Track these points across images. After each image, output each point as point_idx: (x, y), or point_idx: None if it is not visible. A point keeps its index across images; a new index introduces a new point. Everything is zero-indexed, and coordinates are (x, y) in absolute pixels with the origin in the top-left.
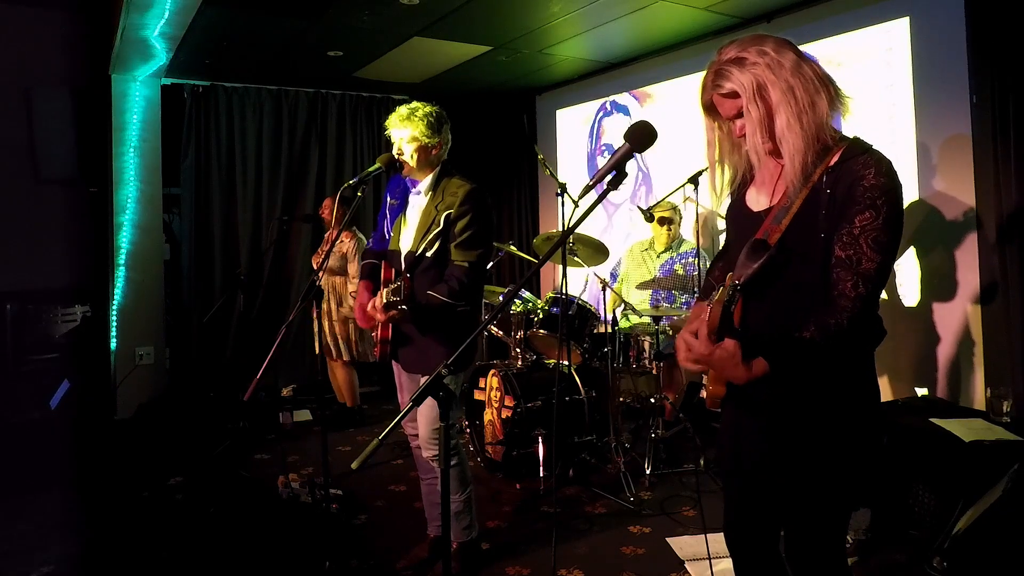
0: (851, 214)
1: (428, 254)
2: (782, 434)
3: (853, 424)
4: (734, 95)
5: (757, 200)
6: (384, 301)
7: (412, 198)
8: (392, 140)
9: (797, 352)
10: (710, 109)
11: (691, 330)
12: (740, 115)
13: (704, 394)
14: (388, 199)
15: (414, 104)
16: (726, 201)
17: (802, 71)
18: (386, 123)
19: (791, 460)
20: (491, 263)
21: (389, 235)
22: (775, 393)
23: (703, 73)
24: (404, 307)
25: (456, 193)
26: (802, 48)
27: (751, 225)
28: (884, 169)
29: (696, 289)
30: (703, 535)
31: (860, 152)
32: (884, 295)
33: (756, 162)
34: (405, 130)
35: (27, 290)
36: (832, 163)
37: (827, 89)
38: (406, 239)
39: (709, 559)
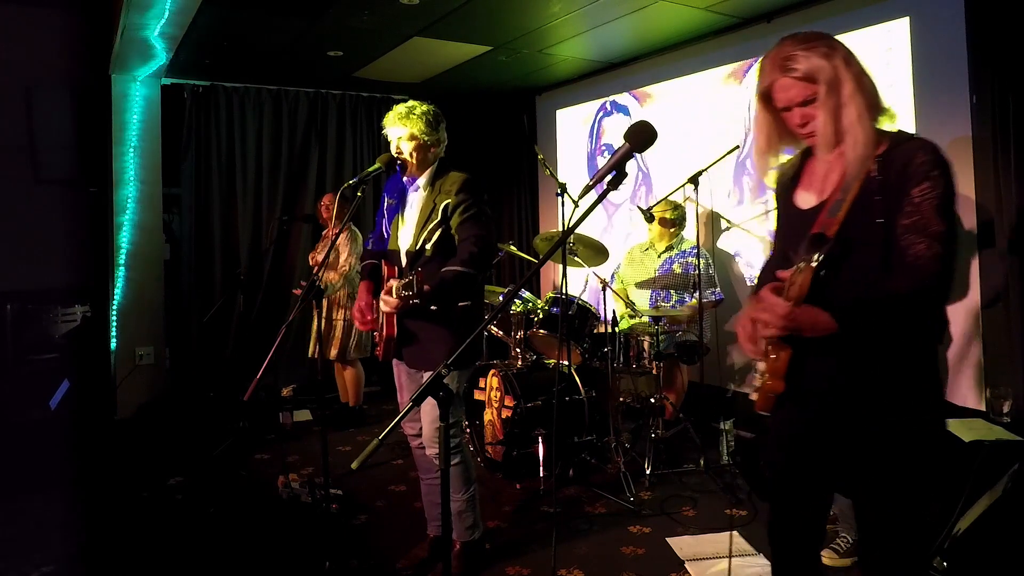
0: (908, 188)
1: (428, 247)
2: (843, 428)
3: (917, 418)
4: (810, 79)
5: (806, 199)
6: (396, 297)
7: (410, 196)
8: (389, 139)
9: (884, 305)
10: (766, 97)
11: (760, 308)
12: (806, 102)
13: (754, 396)
14: (385, 199)
15: (411, 103)
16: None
17: (867, 72)
18: (383, 122)
19: (855, 456)
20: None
21: (388, 235)
22: (836, 384)
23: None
24: (416, 301)
25: (451, 188)
26: None
27: (803, 223)
28: (933, 147)
29: (695, 289)
30: (703, 535)
31: (907, 138)
32: None
33: (820, 149)
34: (404, 129)
35: (27, 290)
36: (881, 152)
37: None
38: (405, 237)
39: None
